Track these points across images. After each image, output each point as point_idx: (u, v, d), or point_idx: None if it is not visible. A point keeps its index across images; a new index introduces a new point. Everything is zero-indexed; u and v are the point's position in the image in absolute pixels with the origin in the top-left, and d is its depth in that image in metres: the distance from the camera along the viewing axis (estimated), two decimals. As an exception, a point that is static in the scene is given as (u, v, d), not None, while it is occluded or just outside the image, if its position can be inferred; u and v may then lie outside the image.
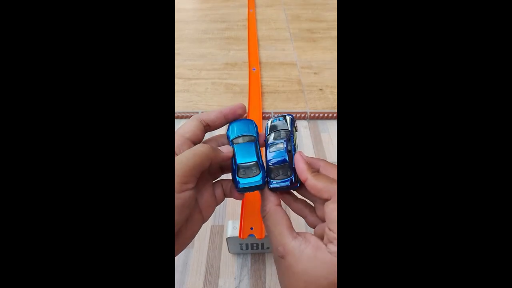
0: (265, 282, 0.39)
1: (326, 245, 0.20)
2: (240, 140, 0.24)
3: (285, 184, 0.22)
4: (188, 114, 0.64)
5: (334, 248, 0.19)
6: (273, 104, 0.66)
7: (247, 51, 0.85)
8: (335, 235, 0.19)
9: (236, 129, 0.25)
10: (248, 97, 0.68)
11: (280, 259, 0.21)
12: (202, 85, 0.73)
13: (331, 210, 0.20)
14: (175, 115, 0.64)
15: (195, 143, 0.23)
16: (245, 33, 0.94)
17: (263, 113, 0.64)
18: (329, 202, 0.20)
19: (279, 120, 0.25)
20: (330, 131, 0.61)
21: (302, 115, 0.64)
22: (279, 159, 0.22)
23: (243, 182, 0.22)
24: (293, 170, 0.23)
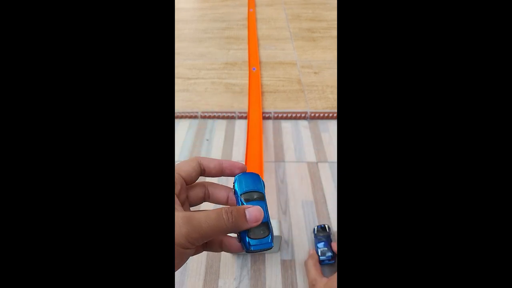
0: (265, 282, 0.39)
1: None
2: (249, 196, 0.23)
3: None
4: (188, 114, 0.64)
5: (324, 280, 0.38)
6: (273, 104, 0.66)
7: (247, 51, 0.85)
8: None
9: (244, 184, 0.24)
10: (248, 96, 0.68)
11: (313, 286, 0.38)
12: (202, 84, 0.73)
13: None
14: (175, 114, 0.64)
15: (187, 183, 0.23)
16: (245, 33, 0.94)
17: (263, 112, 0.63)
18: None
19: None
20: (330, 130, 0.61)
21: (303, 115, 0.64)
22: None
23: (254, 243, 0.22)
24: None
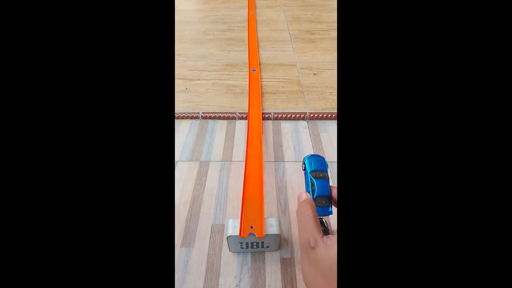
0: (265, 280, 0.39)
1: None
2: (316, 174, 0.31)
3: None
4: (188, 114, 0.64)
5: (329, 241, 0.24)
6: (273, 105, 0.67)
7: (247, 52, 0.86)
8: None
9: (313, 163, 0.31)
10: (248, 97, 0.68)
11: (310, 250, 0.25)
12: (203, 85, 0.73)
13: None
14: (176, 115, 0.64)
15: None
16: (245, 34, 0.95)
17: (263, 113, 0.64)
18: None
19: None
20: (329, 131, 0.61)
21: (302, 115, 0.64)
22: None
23: (319, 210, 0.29)
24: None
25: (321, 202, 0.29)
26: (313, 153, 0.34)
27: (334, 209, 0.31)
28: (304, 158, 0.32)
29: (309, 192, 0.31)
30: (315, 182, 0.30)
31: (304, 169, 0.32)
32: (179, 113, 0.65)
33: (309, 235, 0.26)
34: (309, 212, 0.27)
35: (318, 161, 0.31)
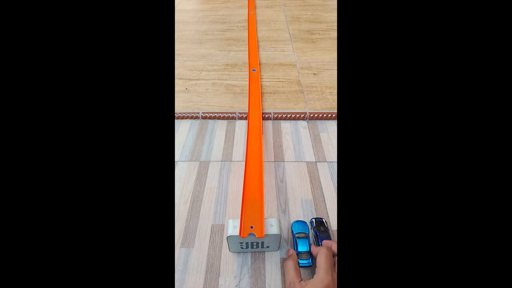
0: (265, 280, 0.39)
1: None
2: (300, 235, 0.42)
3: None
4: (188, 114, 0.64)
5: (303, 283, 0.35)
6: (273, 105, 0.67)
7: (247, 52, 0.86)
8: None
9: (297, 227, 0.43)
10: (248, 97, 0.68)
11: None
12: (203, 85, 0.73)
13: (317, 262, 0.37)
14: (176, 115, 0.64)
15: None
16: (245, 34, 0.95)
17: (263, 113, 0.64)
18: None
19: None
20: (329, 131, 0.61)
21: (302, 115, 0.64)
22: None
23: (302, 262, 0.40)
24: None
25: (302, 256, 0.40)
26: (297, 219, 0.45)
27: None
28: (292, 223, 0.44)
29: (294, 248, 0.41)
30: (298, 241, 0.41)
31: (292, 231, 0.43)
32: (179, 113, 0.65)
33: (290, 280, 0.36)
34: (291, 264, 0.38)
35: (301, 225, 0.43)
